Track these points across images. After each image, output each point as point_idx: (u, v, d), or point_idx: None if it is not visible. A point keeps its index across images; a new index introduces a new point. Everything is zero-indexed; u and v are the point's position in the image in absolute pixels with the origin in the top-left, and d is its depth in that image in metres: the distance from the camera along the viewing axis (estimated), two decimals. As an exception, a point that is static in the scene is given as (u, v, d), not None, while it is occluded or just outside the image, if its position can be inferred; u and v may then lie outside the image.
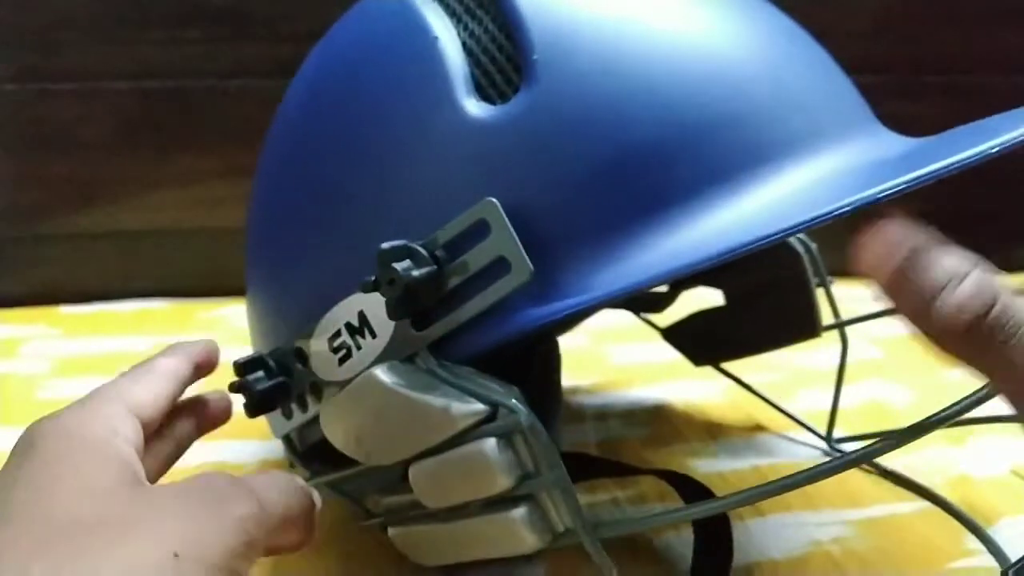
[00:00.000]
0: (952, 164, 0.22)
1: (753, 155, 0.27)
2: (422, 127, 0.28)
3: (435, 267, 0.27)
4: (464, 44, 0.29)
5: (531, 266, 0.26)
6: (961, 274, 0.21)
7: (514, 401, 0.27)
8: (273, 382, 0.33)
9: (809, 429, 0.48)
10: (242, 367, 0.33)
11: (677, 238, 0.26)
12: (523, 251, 0.26)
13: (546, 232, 0.26)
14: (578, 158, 0.27)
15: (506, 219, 0.26)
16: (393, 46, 0.30)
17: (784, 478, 0.24)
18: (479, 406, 0.27)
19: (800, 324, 0.44)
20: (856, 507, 0.40)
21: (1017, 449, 0.45)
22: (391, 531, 0.32)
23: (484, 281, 0.27)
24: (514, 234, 0.26)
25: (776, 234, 0.22)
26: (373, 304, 0.29)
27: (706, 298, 0.49)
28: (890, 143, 0.30)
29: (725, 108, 0.27)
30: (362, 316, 0.29)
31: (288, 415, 0.34)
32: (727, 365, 0.50)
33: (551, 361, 0.38)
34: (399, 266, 0.27)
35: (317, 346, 0.31)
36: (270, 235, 0.34)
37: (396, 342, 0.29)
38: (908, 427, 0.24)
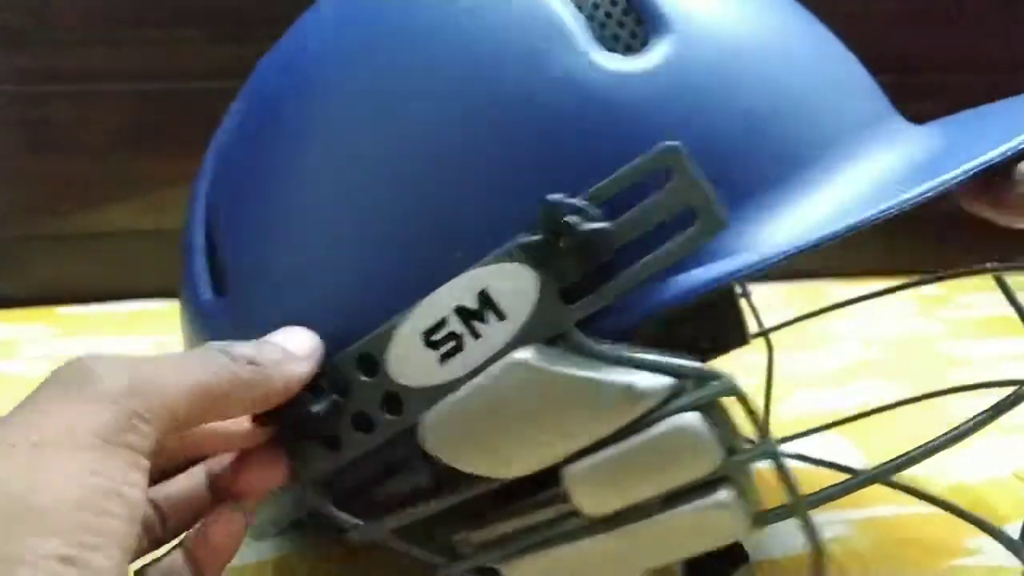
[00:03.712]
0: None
1: (844, 130, 0.28)
2: (548, 81, 0.26)
3: (609, 222, 0.23)
4: None
5: (724, 215, 0.23)
6: None
7: (712, 367, 0.23)
8: (326, 402, 0.26)
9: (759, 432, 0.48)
10: None
11: (821, 199, 0.26)
12: (715, 197, 0.23)
13: None
14: (732, 108, 0.26)
15: (694, 164, 0.23)
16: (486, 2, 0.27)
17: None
18: (667, 379, 0.23)
19: (731, 333, 0.45)
20: (857, 507, 0.40)
21: (1020, 451, 0.45)
22: (506, 570, 0.26)
23: (657, 239, 0.23)
24: (705, 179, 0.23)
25: (913, 197, 0.23)
26: (503, 277, 0.24)
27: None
28: (921, 131, 0.31)
29: (819, 80, 0.28)
30: (484, 296, 0.24)
31: (335, 445, 0.26)
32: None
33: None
34: (572, 219, 0.23)
35: (402, 345, 0.25)
36: (303, 212, 0.28)
37: (536, 322, 0.24)
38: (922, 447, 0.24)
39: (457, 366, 0.25)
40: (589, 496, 0.24)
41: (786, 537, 0.38)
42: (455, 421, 0.25)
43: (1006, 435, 0.45)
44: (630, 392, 0.23)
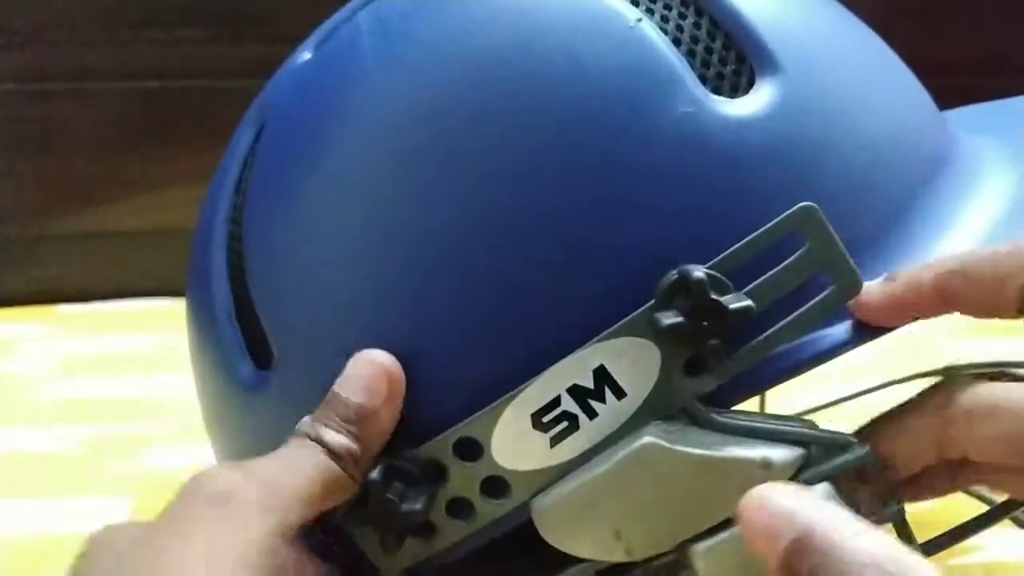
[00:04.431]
0: None
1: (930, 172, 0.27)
2: (662, 130, 0.23)
3: (748, 299, 0.22)
4: (663, 31, 0.25)
5: (860, 276, 0.22)
6: None
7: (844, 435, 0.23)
8: (423, 498, 0.24)
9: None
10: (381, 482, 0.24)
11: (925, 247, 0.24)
12: (850, 258, 0.22)
13: None
14: (844, 157, 0.24)
15: (829, 225, 0.22)
16: (578, 40, 0.24)
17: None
18: (797, 450, 0.22)
19: None
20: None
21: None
22: None
23: (790, 304, 0.22)
24: (839, 241, 0.22)
25: None
26: (622, 353, 0.23)
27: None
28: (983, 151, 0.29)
29: (909, 119, 0.27)
30: (602, 373, 0.23)
31: (428, 533, 0.24)
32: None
33: None
34: (721, 298, 0.22)
35: (509, 428, 0.23)
36: (383, 274, 0.25)
37: (657, 398, 0.23)
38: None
39: (569, 448, 0.23)
40: (716, 573, 0.22)
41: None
42: (573, 507, 0.23)
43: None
44: (766, 466, 0.22)
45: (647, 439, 0.22)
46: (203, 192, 0.33)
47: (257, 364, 0.27)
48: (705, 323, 0.22)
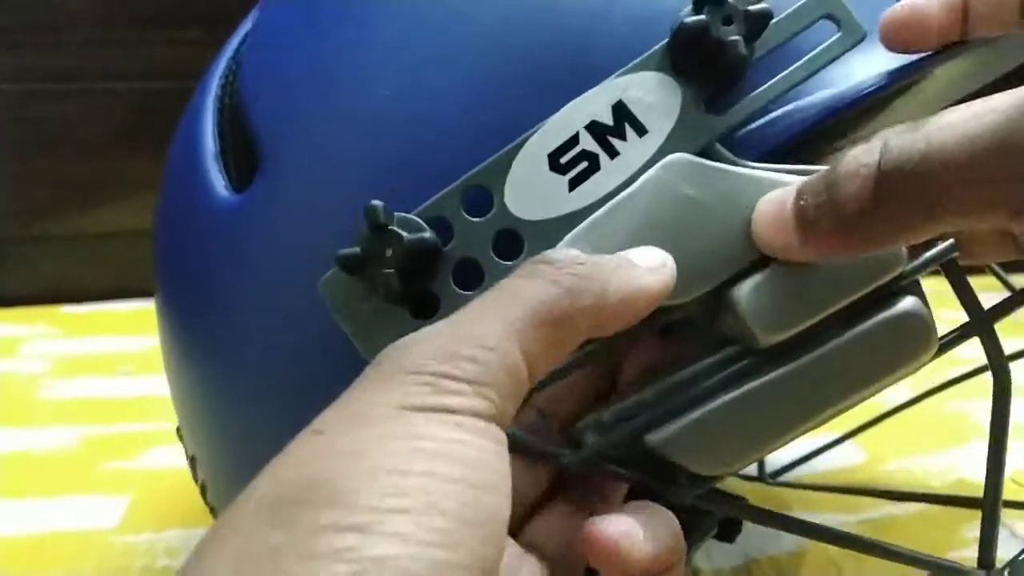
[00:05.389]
0: None
1: None
2: None
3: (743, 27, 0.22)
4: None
5: (863, 25, 0.22)
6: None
7: None
8: (429, 234, 0.21)
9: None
10: (379, 231, 0.21)
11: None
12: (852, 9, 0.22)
13: None
14: None
15: None
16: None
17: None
18: None
19: None
20: (855, 511, 0.40)
21: (1019, 453, 0.45)
22: (660, 436, 0.21)
23: (796, 50, 0.22)
24: None
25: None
26: (642, 88, 0.22)
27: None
28: None
29: None
30: (620, 108, 0.22)
31: (429, 310, 0.22)
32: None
33: None
34: (720, 29, 0.21)
35: (523, 172, 0.22)
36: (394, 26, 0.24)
37: (680, 135, 0.22)
38: None
39: (589, 191, 0.22)
40: (763, 318, 0.21)
41: (786, 536, 0.38)
42: (600, 245, 0.21)
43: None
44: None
45: (676, 155, 0.21)
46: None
47: (235, 189, 0.27)
48: (703, 52, 0.21)
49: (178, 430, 0.32)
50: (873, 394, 0.22)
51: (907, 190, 0.18)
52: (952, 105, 0.19)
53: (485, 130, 0.23)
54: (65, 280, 0.74)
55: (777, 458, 0.43)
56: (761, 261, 0.21)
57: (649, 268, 0.20)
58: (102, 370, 0.59)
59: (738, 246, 0.21)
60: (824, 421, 0.22)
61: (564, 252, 0.20)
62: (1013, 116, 0.17)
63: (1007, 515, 0.39)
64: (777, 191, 0.21)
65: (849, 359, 0.21)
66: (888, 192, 0.18)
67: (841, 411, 0.22)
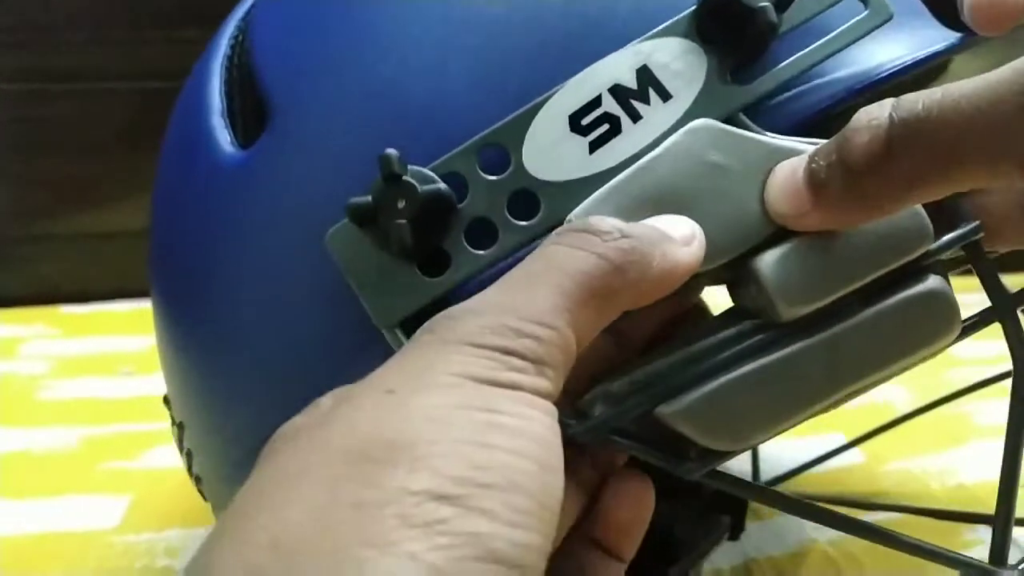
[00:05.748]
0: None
1: None
2: None
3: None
4: None
5: (890, 6, 0.22)
6: None
7: None
8: (444, 187, 0.21)
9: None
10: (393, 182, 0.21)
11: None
12: None
13: None
14: None
15: None
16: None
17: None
18: None
19: None
20: (855, 513, 0.40)
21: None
22: (673, 408, 0.20)
23: (822, 27, 0.22)
24: None
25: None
26: (667, 53, 0.22)
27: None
28: None
29: None
30: (645, 73, 0.22)
31: (438, 268, 0.21)
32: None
33: None
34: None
35: (543, 132, 0.22)
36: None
37: (704, 102, 0.22)
38: None
39: (609, 154, 0.21)
40: (785, 290, 0.20)
41: (785, 536, 0.38)
42: (623, 209, 0.21)
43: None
44: None
45: (702, 120, 0.21)
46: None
47: (240, 145, 0.26)
48: (744, 29, 0.21)
49: (165, 398, 0.32)
50: (894, 374, 0.22)
51: (919, 142, 0.18)
52: None
53: (503, 91, 0.22)
54: (65, 280, 0.74)
55: (775, 464, 0.43)
56: (787, 232, 0.21)
57: (683, 239, 0.20)
58: (102, 370, 0.59)
59: (763, 215, 0.21)
60: (842, 401, 0.22)
61: (610, 223, 0.20)
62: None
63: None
64: (791, 159, 0.21)
65: (870, 336, 0.21)
66: (899, 145, 0.18)
67: (860, 391, 0.22)
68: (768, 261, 0.20)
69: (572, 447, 0.20)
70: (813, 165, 0.20)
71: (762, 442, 0.22)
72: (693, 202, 0.21)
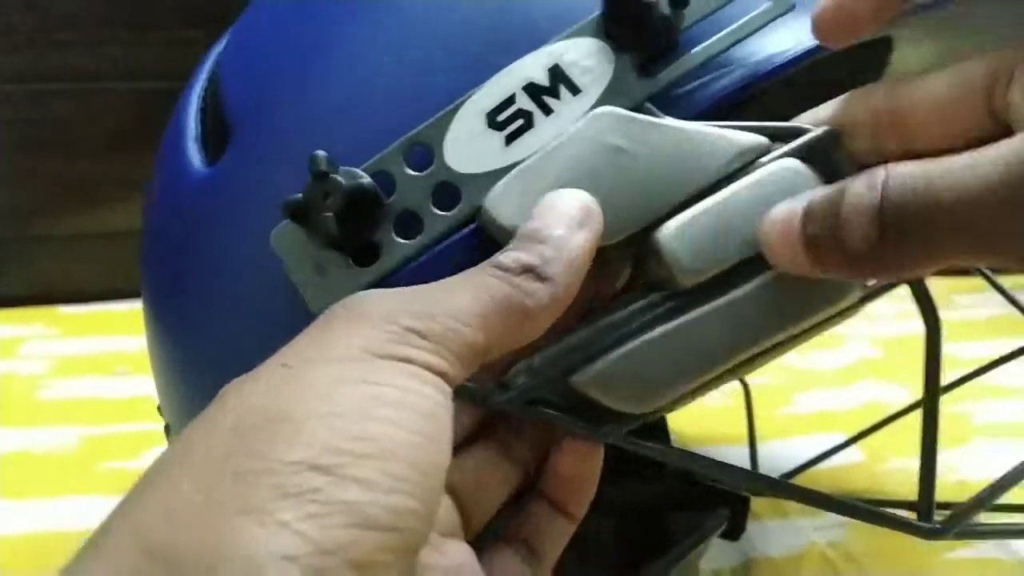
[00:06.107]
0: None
1: None
2: None
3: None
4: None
5: None
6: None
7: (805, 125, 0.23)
8: (367, 180, 0.23)
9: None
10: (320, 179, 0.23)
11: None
12: None
13: None
14: None
15: None
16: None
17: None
18: (759, 137, 0.22)
19: None
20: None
21: (1019, 449, 0.45)
22: (584, 375, 0.22)
23: (726, 18, 0.24)
24: None
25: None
26: (576, 52, 0.23)
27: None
28: None
29: None
30: (556, 71, 0.23)
31: (370, 258, 0.23)
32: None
33: None
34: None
35: (462, 129, 0.24)
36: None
37: (612, 95, 0.23)
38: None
39: (524, 146, 0.23)
40: (684, 258, 0.22)
41: (784, 537, 0.38)
42: (530, 188, 0.23)
43: (1007, 436, 0.45)
44: (724, 141, 0.22)
45: (603, 107, 0.23)
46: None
47: (208, 161, 0.29)
48: (644, 24, 0.23)
49: (159, 408, 0.33)
50: (803, 339, 0.23)
51: (909, 232, 0.18)
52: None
53: (430, 98, 0.24)
54: (65, 280, 0.74)
55: (776, 464, 0.43)
56: (683, 205, 0.22)
57: (577, 221, 0.21)
58: (101, 370, 0.59)
59: (662, 192, 0.22)
60: (752, 364, 0.23)
61: (513, 256, 0.21)
62: (1009, 170, 0.17)
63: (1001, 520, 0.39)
64: (782, 207, 0.21)
65: (768, 299, 0.22)
66: (891, 233, 0.19)
67: (768, 354, 0.23)
68: (666, 234, 0.22)
69: (506, 424, 0.23)
70: (809, 231, 0.20)
71: (671, 408, 0.23)
72: (595, 182, 0.22)
